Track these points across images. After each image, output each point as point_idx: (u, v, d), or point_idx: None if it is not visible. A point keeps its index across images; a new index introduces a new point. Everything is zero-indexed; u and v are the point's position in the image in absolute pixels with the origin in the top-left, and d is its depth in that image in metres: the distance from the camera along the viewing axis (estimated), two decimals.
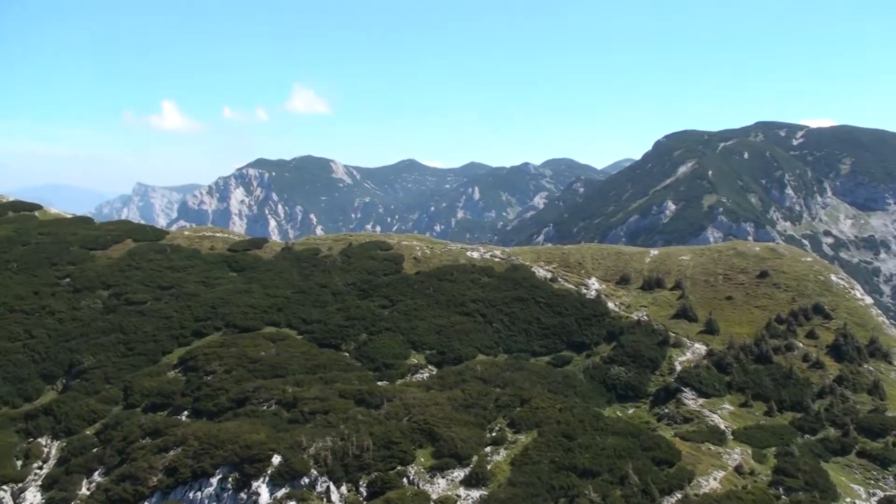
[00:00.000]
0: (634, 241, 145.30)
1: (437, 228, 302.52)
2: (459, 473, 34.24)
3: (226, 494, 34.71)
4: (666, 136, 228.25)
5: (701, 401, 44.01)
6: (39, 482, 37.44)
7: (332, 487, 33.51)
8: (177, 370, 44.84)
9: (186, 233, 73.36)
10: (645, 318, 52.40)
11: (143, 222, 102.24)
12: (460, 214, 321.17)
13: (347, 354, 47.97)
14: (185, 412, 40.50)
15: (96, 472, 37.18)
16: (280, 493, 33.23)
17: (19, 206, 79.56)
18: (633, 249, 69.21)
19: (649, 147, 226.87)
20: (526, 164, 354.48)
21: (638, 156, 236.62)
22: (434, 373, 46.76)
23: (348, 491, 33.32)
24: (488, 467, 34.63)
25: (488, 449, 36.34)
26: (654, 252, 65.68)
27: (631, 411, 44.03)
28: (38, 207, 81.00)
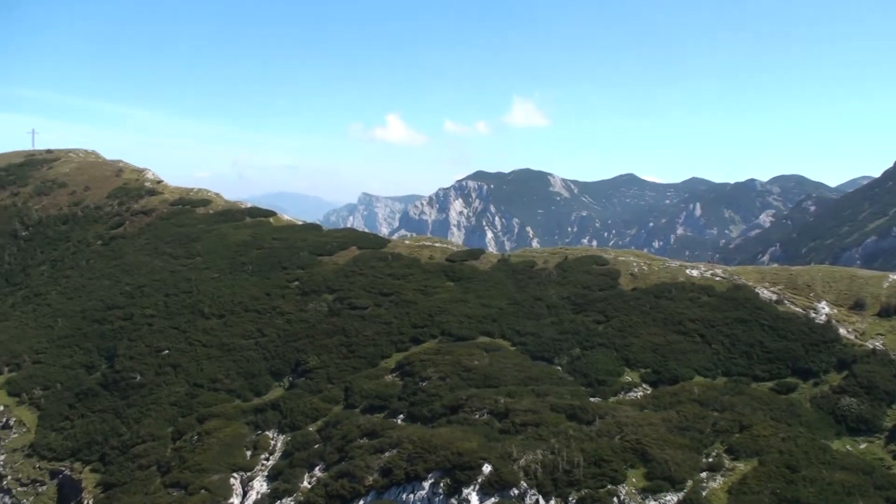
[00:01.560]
0: (871, 265, 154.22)
1: (656, 245, 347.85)
2: (672, 497, 38.68)
3: (437, 499, 44.83)
4: None
5: None
6: (266, 472, 50.95)
7: (542, 501, 41.09)
8: (394, 374, 55.53)
9: (407, 242, 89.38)
10: (881, 347, 55.70)
11: (366, 230, 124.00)
12: (680, 231, 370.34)
13: (560, 368, 55.81)
14: (401, 415, 50.05)
15: (317, 468, 49.45)
16: (489, 501, 41.39)
17: (256, 213, 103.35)
18: (868, 273, 73.35)
19: (891, 164, 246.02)
20: (752, 180, 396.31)
21: (878, 173, 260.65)
22: (648, 392, 52.98)
23: None
24: (703, 493, 38.85)
25: (704, 475, 40.81)
26: (893, 276, 68.93)
27: (863, 446, 46.11)
28: (273, 214, 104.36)
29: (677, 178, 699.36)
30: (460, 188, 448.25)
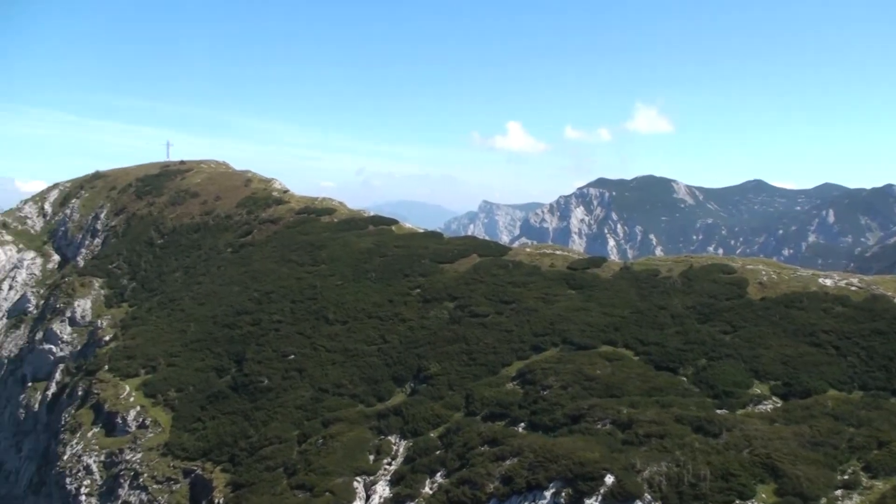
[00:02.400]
0: None
1: (786, 253, 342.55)
2: None
3: None
4: None
5: None
6: (388, 477, 52.97)
7: None
8: (515, 382, 56.81)
9: (528, 249, 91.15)
10: None
11: (487, 238, 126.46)
12: (812, 238, 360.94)
13: (685, 379, 55.24)
14: (522, 424, 51.39)
15: (438, 473, 50.95)
16: None
17: (378, 221, 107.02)
18: None
19: None
20: (890, 185, 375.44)
21: None
22: (778, 405, 51.39)
23: None
24: None
25: (839, 492, 39.55)
26: None
27: None
28: (395, 222, 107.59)
29: (808, 184, 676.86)
30: (581, 196, 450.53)
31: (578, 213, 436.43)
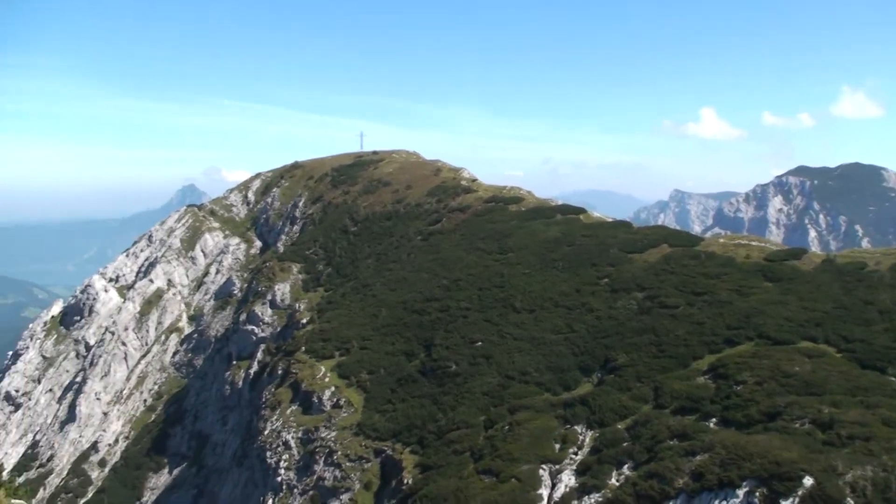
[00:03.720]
0: None
1: None
2: None
3: None
4: None
5: None
6: (574, 466, 53.51)
7: None
8: (706, 376, 55.52)
9: (721, 240, 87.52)
10: None
11: (678, 228, 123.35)
12: None
13: (894, 379, 51.33)
14: (713, 419, 50.24)
15: (625, 466, 50.96)
16: None
17: (566, 210, 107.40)
18: None
19: None
20: None
21: None
22: None
23: None
24: None
25: None
26: None
27: None
28: (583, 211, 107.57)
29: None
30: (780, 184, 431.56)
31: (776, 202, 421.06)
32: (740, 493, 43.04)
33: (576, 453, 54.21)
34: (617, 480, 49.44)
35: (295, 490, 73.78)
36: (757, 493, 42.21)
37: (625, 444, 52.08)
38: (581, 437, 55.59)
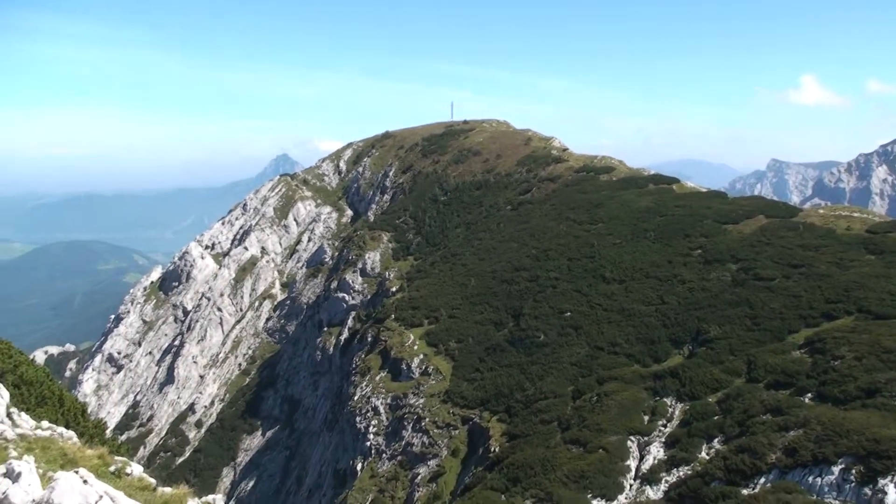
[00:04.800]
0: None
1: None
2: None
3: (848, 486, 43.09)
4: None
5: None
6: (663, 439, 53.26)
7: None
8: (802, 350, 54.21)
9: (821, 211, 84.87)
10: None
11: (775, 199, 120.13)
12: None
13: None
14: (808, 394, 49.08)
15: (716, 440, 50.37)
16: None
17: (659, 180, 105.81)
18: None
19: None
20: None
21: None
22: None
23: None
24: None
25: None
26: None
27: None
28: (675, 181, 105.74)
29: None
30: (885, 153, 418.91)
31: (881, 172, 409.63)
32: (836, 470, 42.19)
33: (665, 426, 53.92)
34: (707, 454, 49.04)
35: (384, 455, 75.54)
36: (853, 471, 41.34)
37: (716, 418, 51.53)
38: (671, 410, 55.21)
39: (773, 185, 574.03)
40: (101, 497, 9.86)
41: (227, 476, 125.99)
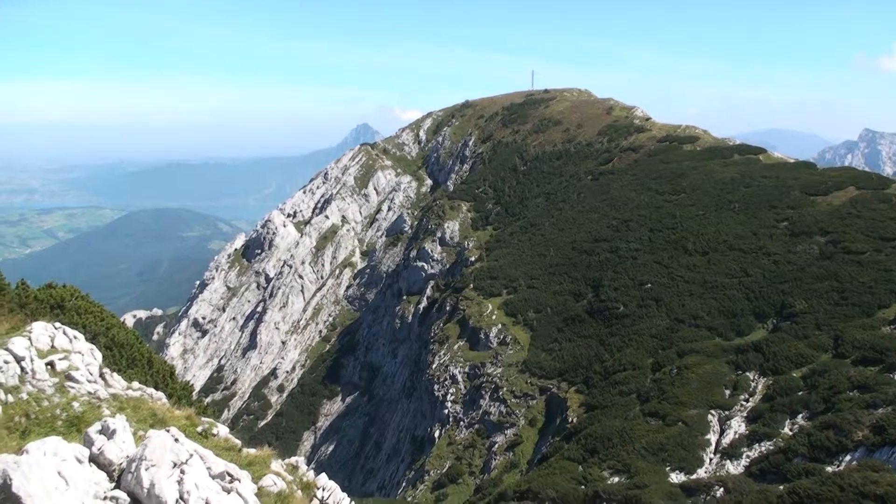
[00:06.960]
0: None
1: None
2: None
3: None
4: None
5: None
6: (745, 413, 52.72)
7: None
8: (892, 326, 52.53)
9: None
10: None
11: (867, 170, 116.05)
12: None
13: None
14: None
15: (800, 416, 49.69)
16: None
17: (744, 150, 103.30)
18: None
19: None
20: None
21: None
22: None
23: None
24: None
25: None
26: None
27: None
28: (762, 151, 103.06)
29: None
30: None
31: None
32: None
33: (747, 400, 53.24)
34: (790, 430, 48.30)
35: (461, 423, 76.44)
36: None
37: (800, 394, 50.63)
38: (753, 384, 54.44)
39: (864, 155, 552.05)
40: (191, 455, 10.39)
41: (308, 440, 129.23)
